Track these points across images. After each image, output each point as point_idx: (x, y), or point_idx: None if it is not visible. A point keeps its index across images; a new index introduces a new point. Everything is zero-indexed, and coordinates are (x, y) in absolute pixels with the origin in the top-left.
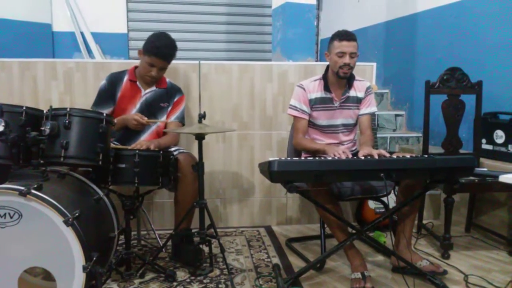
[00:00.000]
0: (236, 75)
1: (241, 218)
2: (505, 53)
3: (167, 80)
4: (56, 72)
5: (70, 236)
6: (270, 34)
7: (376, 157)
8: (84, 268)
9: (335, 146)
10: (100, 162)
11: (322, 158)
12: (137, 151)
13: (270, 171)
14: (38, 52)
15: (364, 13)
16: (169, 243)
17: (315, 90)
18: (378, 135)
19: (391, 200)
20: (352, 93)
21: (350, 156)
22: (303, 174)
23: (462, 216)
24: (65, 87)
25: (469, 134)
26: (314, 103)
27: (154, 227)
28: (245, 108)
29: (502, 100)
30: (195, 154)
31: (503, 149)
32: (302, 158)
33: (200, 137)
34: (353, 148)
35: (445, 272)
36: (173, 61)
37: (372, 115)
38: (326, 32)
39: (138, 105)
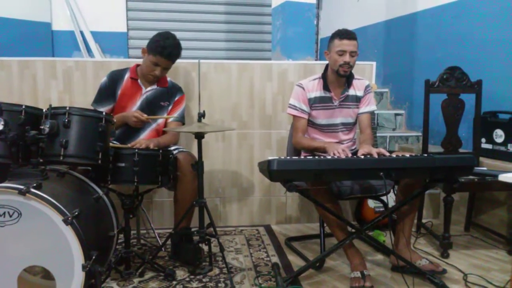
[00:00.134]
0: (235, 74)
1: (241, 217)
2: (505, 52)
3: (168, 79)
4: (56, 71)
5: (69, 235)
6: (270, 33)
7: (376, 156)
8: (84, 267)
9: (335, 144)
10: (100, 161)
11: (322, 157)
12: (136, 150)
13: (269, 170)
14: (38, 51)
15: (363, 12)
16: (169, 242)
17: (314, 89)
18: (377, 134)
19: (391, 199)
20: (351, 92)
21: (350, 154)
22: (302, 173)
23: (462, 215)
24: (64, 86)
25: (469, 133)
26: (313, 102)
27: (154, 226)
28: (245, 107)
29: (502, 99)
30: (195, 153)
31: (502, 148)
32: (302, 157)
33: (199, 136)
34: (353, 147)
35: (444, 271)
36: None
37: (372, 113)
38: (326, 31)
39: (138, 103)
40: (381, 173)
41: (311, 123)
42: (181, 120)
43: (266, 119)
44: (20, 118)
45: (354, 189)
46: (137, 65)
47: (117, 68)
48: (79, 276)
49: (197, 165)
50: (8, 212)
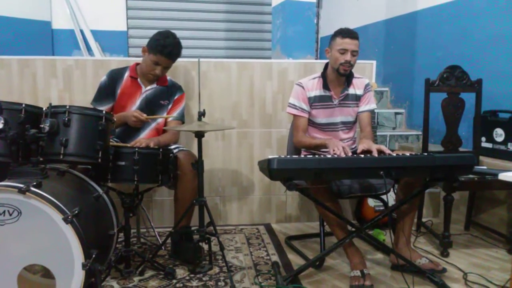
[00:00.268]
0: (235, 73)
1: (241, 216)
2: (505, 51)
3: (168, 78)
4: (56, 70)
5: (69, 234)
6: (270, 32)
7: (375, 151)
8: (84, 266)
9: (335, 140)
10: (100, 160)
11: (322, 156)
12: (136, 149)
13: (269, 169)
14: (38, 50)
15: (364, 11)
16: (169, 240)
17: (314, 88)
18: (377, 133)
19: (391, 198)
20: (351, 90)
21: (350, 152)
22: (302, 172)
23: (462, 214)
24: (64, 84)
25: (469, 132)
26: (313, 101)
27: (154, 225)
28: (245, 106)
29: (502, 98)
30: (195, 152)
31: (502, 147)
32: (302, 155)
33: (199, 135)
34: (353, 146)
35: (444, 270)
36: None
37: (372, 112)
38: (326, 30)
39: (138, 102)
40: (381, 172)
41: (311, 122)
42: (181, 118)
43: (266, 117)
44: (20, 116)
45: (354, 188)
46: (137, 64)
47: (117, 67)
48: (79, 275)
49: (197, 164)
50: (8, 211)
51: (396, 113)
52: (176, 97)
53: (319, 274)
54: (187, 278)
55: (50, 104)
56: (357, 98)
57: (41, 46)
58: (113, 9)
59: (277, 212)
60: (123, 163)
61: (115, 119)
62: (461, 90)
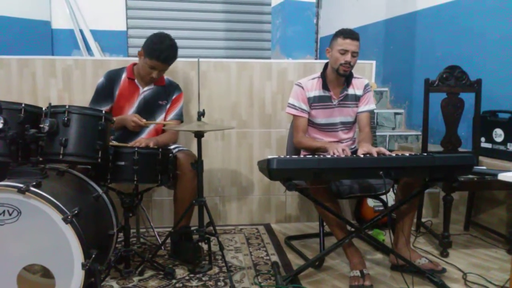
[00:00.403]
0: (235, 73)
1: (240, 216)
2: (505, 51)
3: (165, 77)
4: (55, 70)
5: (69, 234)
6: (270, 32)
7: (375, 155)
8: (83, 266)
9: (336, 143)
10: (99, 160)
11: (321, 156)
12: (136, 149)
13: (269, 169)
14: (37, 50)
15: (363, 11)
16: (168, 240)
17: (314, 89)
18: (377, 133)
19: (390, 198)
20: (350, 91)
21: (350, 154)
22: (302, 172)
23: (461, 214)
24: (64, 84)
25: (468, 132)
26: (312, 102)
27: (153, 225)
28: (244, 106)
29: (501, 99)
30: (194, 152)
31: (502, 147)
32: (301, 156)
33: (199, 135)
34: (353, 146)
35: (443, 270)
36: None
37: (371, 112)
38: (325, 30)
39: (136, 103)
40: (381, 172)
41: (310, 123)
42: (180, 118)
43: (266, 118)
44: (19, 116)
45: (353, 188)
46: (134, 64)
47: (116, 67)
48: (79, 275)
49: (197, 164)
50: (8, 211)
51: (396, 113)
52: (174, 96)
53: (319, 274)
54: (187, 278)
55: (50, 104)
56: (357, 99)
57: (41, 46)
58: (112, 9)
59: (277, 212)
60: (122, 163)
61: (114, 120)
62: (461, 90)
